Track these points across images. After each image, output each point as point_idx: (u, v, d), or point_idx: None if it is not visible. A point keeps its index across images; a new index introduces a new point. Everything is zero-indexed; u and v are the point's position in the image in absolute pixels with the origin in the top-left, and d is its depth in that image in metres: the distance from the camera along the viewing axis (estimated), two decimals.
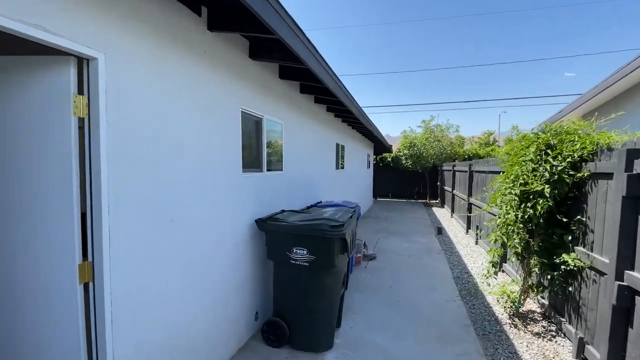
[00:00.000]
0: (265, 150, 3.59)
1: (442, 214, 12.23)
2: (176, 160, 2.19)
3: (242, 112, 3.04)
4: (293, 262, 3.04)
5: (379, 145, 13.90)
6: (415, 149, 15.29)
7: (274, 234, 3.12)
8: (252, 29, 2.40)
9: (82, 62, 1.63)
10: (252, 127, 3.38)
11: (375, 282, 4.87)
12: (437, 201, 15.66)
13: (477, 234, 7.09)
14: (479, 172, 7.55)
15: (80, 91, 1.64)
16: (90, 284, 1.71)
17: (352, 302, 4.08)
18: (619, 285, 2.40)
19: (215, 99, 2.63)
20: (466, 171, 8.84)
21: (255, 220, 3.22)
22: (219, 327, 2.73)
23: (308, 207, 4.52)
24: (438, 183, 15.32)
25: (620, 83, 5.41)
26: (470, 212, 8.09)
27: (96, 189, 1.68)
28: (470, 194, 8.27)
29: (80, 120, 1.64)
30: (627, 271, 2.38)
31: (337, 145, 7.46)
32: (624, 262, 2.41)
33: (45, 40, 1.39)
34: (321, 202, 5.24)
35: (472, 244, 7.31)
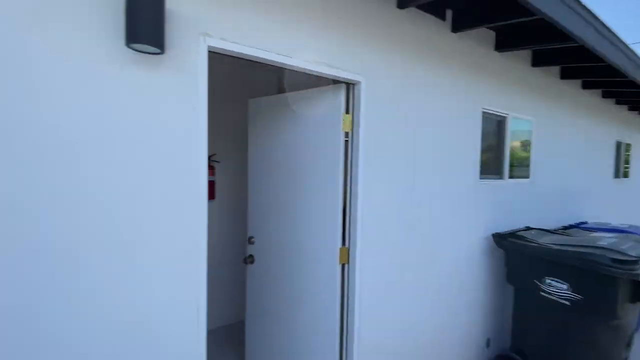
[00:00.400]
0: (507, 154, 3.08)
1: None
2: (416, 167, 2.29)
3: (482, 112, 2.75)
4: (544, 295, 2.42)
5: None
6: None
7: (518, 255, 2.61)
8: (505, 17, 2.10)
9: (349, 87, 2.02)
10: (492, 128, 2.99)
11: None
12: None
13: None
14: None
15: (347, 110, 2.03)
16: (346, 266, 2.10)
17: None
18: None
19: (456, 101, 2.52)
20: None
21: (492, 235, 2.83)
22: (444, 341, 2.62)
23: (565, 228, 3.49)
24: None
25: None
26: None
27: (354, 189, 2.03)
28: None
29: (346, 134, 2.04)
30: None
31: (618, 143, 5.29)
32: None
33: (330, 74, 1.83)
34: (586, 222, 3.89)
35: None
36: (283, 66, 1.71)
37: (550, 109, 3.56)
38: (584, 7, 2.25)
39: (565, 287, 2.29)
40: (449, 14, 2.36)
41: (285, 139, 2.33)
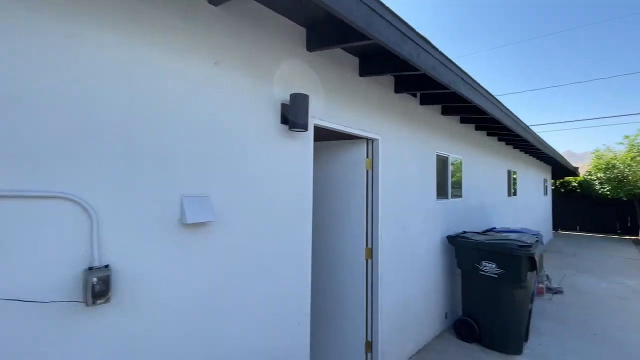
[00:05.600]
0: (449, 182, 4.51)
1: None
2: (405, 191, 3.45)
3: (436, 155, 4.12)
4: (482, 273, 3.76)
5: (559, 168, 12.14)
6: (616, 171, 12.38)
7: (464, 249, 3.94)
8: (448, 102, 3.49)
9: (369, 141, 3.11)
10: (441, 165, 4.40)
11: (563, 314, 4.76)
12: None
13: None
14: None
15: (367, 156, 3.10)
16: (369, 261, 3.09)
17: (537, 327, 4.27)
18: None
19: (422, 148, 3.82)
20: None
21: (447, 237, 4.14)
22: (423, 312, 3.75)
23: (485, 231, 5.05)
24: None
25: None
26: None
27: (375, 207, 3.07)
28: None
29: (367, 171, 3.10)
30: None
31: (509, 172, 7.47)
32: None
33: (357, 134, 2.89)
34: (495, 227, 5.59)
35: None
36: (344, 132, 2.71)
37: (470, 150, 5.21)
38: (489, 93, 3.79)
39: (494, 265, 3.66)
40: (418, 95, 3.69)
41: (329, 170, 3.28)
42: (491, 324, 3.69)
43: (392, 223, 3.26)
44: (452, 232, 4.36)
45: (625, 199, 12.70)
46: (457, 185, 4.82)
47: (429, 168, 3.98)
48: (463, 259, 3.97)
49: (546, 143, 7.30)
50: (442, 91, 3.08)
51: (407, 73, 2.67)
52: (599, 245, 11.15)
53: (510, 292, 3.60)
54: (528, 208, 9.29)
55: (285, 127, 2.07)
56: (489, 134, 5.92)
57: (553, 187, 14.49)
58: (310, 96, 2.29)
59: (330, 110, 2.51)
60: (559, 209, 14.12)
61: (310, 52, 2.30)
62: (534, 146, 6.64)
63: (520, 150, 8.23)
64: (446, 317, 4.22)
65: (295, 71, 2.20)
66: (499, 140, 6.59)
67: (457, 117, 4.69)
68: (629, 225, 13.17)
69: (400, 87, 3.23)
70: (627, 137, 12.80)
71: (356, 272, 3.08)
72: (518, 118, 4.86)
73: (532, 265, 3.56)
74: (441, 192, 4.33)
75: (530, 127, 6.03)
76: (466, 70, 3.00)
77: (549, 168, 12.48)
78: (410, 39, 2.08)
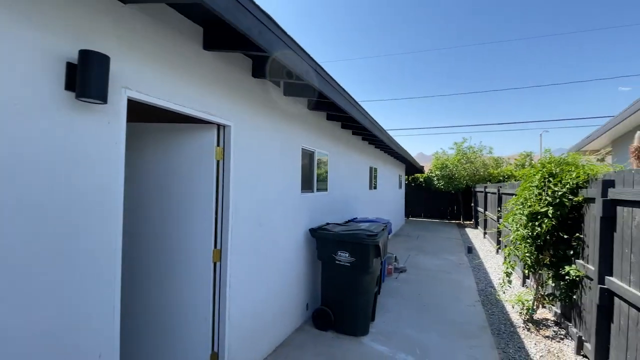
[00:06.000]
0: (315, 176, 4.60)
1: (475, 234, 12.44)
2: (264, 184, 3.24)
3: (302, 149, 4.09)
4: (338, 262, 3.94)
5: (410, 166, 14.54)
6: (447, 170, 15.68)
7: (323, 240, 4.06)
8: (313, 96, 3.47)
9: (220, 128, 2.74)
10: (307, 159, 4.42)
11: (405, 291, 5.57)
12: (471, 222, 15.75)
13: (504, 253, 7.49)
14: (506, 194, 8.01)
15: (218, 144, 2.74)
16: (218, 264, 2.75)
17: (384, 305, 4.83)
18: (601, 288, 3.00)
19: (286, 141, 3.70)
20: (495, 193, 9.27)
21: (310, 229, 4.18)
22: (283, 308, 3.67)
23: (347, 222, 5.42)
24: (472, 204, 15.48)
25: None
26: (500, 233, 8.47)
27: (226, 203, 2.74)
28: (500, 216, 8.67)
29: (217, 162, 2.73)
30: (607, 277, 2.99)
31: (371, 168, 8.35)
32: (605, 269, 3.02)
33: (202, 117, 2.50)
34: (357, 217, 6.11)
35: (501, 263, 7.69)
36: (184, 113, 2.26)
37: (337, 147, 5.48)
38: (352, 97, 3.98)
39: (347, 255, 3.88)
40: (282, 83, 3.52)
41: (168, 158, 2.72)
42: (344, 310, 3.92)
43: (248, 219, 3.01)
44: (316, 225, 4.45)
45: (453, 192, 16.26)
46: (323, 179, 4.97)
47: (294, 161, 3.91)
48: (323, 250, 4.08)
49: (399, 144, 8.46)
50: (301, 82, 2.98)
51: (256, 53, 2.42)
52: (436, 229, 13.91)
53: (359, 278, 3.89)
54: (386, 199, 10.71)
55: (71, 94, 1.50)
56: (353, 133, 6.39)
57: (406, 182, 17.33)
58: (126, 61, 1.78)
59: (160, 84, 2.03)
60: (410, 200, 17.04)
61: (124, 3, 1.77)
62: (389, 146, 7.59)
63: (381, 150, 9.35)
64: (307, 309, 4.30)
65: (97, 23, 1.63)
66: (363, 139, 7.24)
67: (324, 114, 4.81)
68: (455, 212, 16.98)
69: (258, 71, 2.98)
70: (456, 143, 16.41)
71: (202, 278, 2.69)
72: (375, 120, 5.36)
73: (378, 252, 3.93)
74: (306, 186, 4.35)
75: (389, 130, 6.85)
76: (322, 65, 2.98)
77: (403, 166, 14.79)
78: (249, 11, 1.82)
